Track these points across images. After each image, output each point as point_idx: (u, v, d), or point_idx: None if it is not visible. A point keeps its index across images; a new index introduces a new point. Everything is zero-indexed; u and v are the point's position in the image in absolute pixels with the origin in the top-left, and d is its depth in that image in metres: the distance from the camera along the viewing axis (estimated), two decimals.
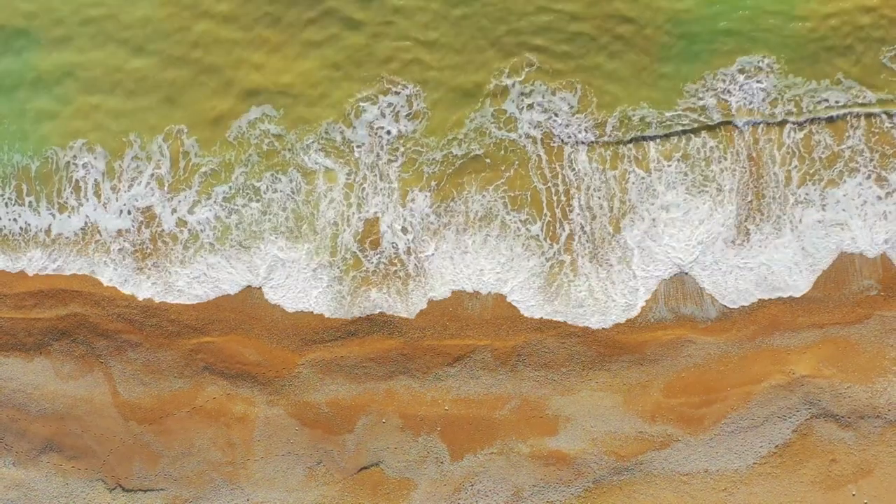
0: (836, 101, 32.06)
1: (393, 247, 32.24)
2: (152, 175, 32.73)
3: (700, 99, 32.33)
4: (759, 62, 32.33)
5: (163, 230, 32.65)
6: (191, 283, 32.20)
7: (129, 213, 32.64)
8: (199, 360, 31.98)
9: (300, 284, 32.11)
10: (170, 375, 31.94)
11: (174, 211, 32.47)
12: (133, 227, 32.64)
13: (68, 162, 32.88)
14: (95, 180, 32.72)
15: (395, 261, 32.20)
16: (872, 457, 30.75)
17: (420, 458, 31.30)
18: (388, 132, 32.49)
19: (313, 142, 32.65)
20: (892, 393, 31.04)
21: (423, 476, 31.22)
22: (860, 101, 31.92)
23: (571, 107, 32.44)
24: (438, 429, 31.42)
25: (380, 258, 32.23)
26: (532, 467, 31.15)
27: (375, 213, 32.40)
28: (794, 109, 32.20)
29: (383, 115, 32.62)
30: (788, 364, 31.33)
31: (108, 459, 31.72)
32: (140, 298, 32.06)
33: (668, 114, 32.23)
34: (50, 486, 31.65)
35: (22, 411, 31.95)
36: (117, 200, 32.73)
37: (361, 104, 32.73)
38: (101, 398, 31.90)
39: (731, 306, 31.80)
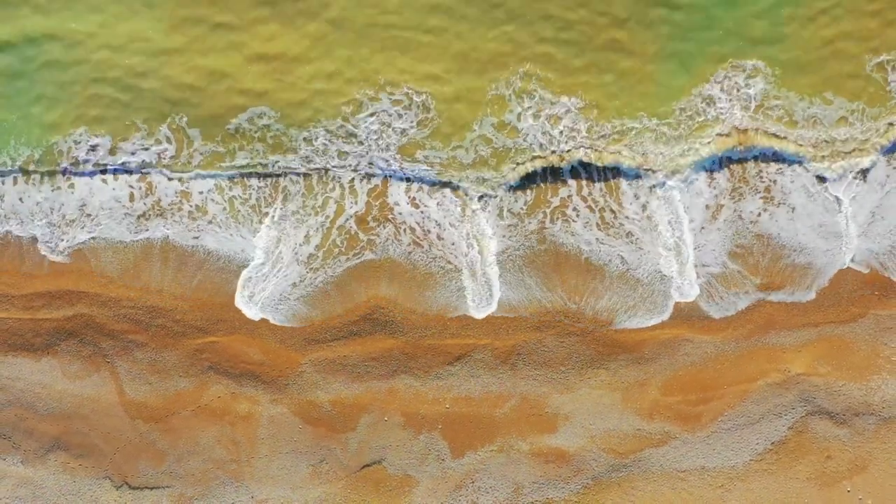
0: (826, 118, 32.46)
1: (422, 228, 32.67)
2: (158, 154, 33.02)
3: (695, 103, 32.56)
4: (750, 66, 32.54)
5: (160, 199, 33.14)
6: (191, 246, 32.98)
7: (128, 176, 32.99)
8: (204, 360, 32.28)
9: (280, 298, 32.76)
10: (175, 375, 32.26)
11: (172, 181, 33.08)
12: (137, 193, 33.06)
13: (70, 147, 33.05)
14: (99, 155, 32.92)
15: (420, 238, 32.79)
16: (867, 453, 31.05)
17: (421, 455, 31.61)
18: (392, 123, 32.72)
19: (319, 131, 32.91)
20: (886, 390, 31.34)
21: (424, 473, 31.53)
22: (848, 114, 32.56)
23: (568, 111, 32.68)
24: (439, 427, 31.73)
25: (386, 233, 32.66)
26: (532, 464, 31.44)
27: (384, 174, 32.78)
28: (786, 118, 32.55)
29: (388, 114, 32.87)
30: (784, 362, 31.63)
31: (115, 458, 32.04)
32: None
33: (665, 124, 32.60)
34: (58, 483, 31.99)
35: (30, 410, 32.27)
36: (115, 176, 33.06)
37: (363, 101, 32.92)
38: (107, 397, 32.24)
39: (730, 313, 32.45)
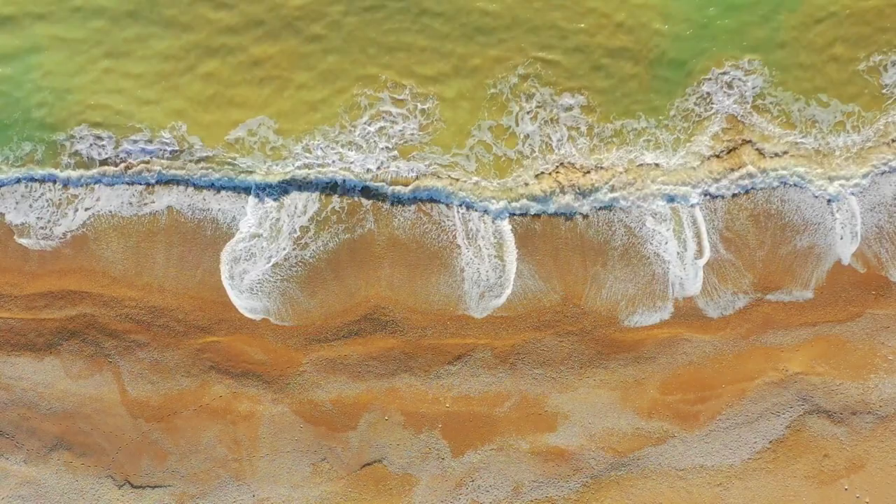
0: (825, 121, 32.64)
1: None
2: (161, 148, 33.19)
3: (691, 101, 32.76)
4: (747, 64, 32.71)
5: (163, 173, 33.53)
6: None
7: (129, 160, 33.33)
8: (206, 360, 32.43)
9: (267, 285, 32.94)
10: (177, 374, 32.41)
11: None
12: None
13: (72, 143, 33.19)
14: (102, 150, 33.12)
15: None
16: (864, 452, 31.22)
17: (422, 454, 31.77)
18: (392, 127, 32.90)
19: (317, 140, 33.09)
20: (883, 389, 31.52)
21: (424, 472, 31.69)
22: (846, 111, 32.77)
23: (569, 108, 32.84)
24: (440, 425, 31.88)
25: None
26: (531, 463, 31.59)
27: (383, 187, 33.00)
28: (783, 118, 32.72)
29: (389, 118, 33.03)
30: (782, 361, 31.80)
31: (117, 456, 32.19)
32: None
33: (662, 126, 32.80)
34: (60, 482, 32.14)
35: (32, 410, 32.41)
36: (116, 149, 33.31)
37: (362, 106, 33.11)
38: (109, 397, 32.39)
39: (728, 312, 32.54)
